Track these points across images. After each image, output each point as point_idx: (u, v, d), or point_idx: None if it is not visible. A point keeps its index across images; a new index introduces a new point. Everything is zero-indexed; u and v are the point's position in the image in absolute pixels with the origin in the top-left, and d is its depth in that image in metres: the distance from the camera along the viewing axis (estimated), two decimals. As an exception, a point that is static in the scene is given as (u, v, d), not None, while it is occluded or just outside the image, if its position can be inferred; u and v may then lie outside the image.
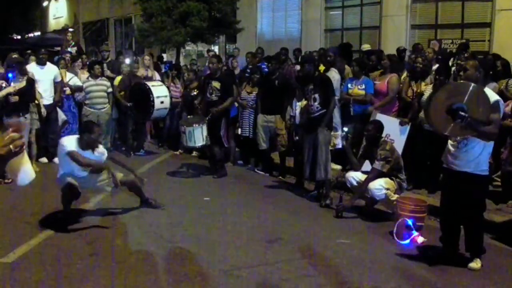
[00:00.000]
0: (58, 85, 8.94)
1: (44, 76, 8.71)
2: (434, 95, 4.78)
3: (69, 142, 5.81)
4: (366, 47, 11.58)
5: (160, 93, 9.14)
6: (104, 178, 6.02)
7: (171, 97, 9.35)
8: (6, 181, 7.26)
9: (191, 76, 10.28)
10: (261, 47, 10.92)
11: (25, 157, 2.34)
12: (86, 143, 5.81)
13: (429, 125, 5.33)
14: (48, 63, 8.95)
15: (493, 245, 5.35)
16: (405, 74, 7.84)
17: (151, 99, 8.95)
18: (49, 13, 32.45)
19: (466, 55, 8.30)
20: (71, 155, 5.68)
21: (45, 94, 8.66)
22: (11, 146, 2.12)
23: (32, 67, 8.74)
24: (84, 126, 6.22)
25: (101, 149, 6.05)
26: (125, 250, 5.04)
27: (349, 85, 7.63)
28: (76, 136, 6.07)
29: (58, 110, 8.98)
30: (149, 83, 9.33)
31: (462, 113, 4.27)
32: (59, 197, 5.82)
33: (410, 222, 5.38)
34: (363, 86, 7.55)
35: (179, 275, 4.49)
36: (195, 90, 9.57)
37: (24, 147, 2.21)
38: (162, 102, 9.11)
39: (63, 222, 5.64)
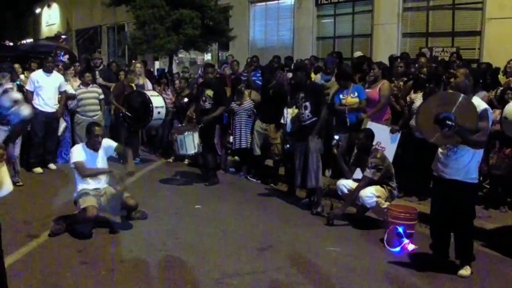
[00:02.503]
0: (63, 96, 8.95)
1: (49, 84, 8.74)
2: (423, 103, 4.87)
3: (76, 150, 5.97)
4: (358, 54, 11.64)
5: (159, 103, 9.23)
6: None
7: (166, 108, 9.41)
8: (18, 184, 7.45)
9: (183, 84, 10.29)
10: (256, 56, 10.93)
11: (3, 169, 2.30)
12: (90, 144, 5.97)
13: (419, 132, 5.40)
14: (54, 71, 8.96)
15: (483, 252, 5.40)
16: (401, 81, 7.86)
17: (151, 109, 9.00)
18: (42, 20, 32.40)
19: (458, 62, 8.38)
20: (75, 165, 5.84)
21: (49, 101, 8.70)
22: None
23: (38, 74, 8.76)
24: (86, 129, 6.26)
25: (106, 143, 6.11)
26: (116, 258, 5.03)
27: (341, 96, 7.55)
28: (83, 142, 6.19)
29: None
30: (148, 93, 9.37)
31: (449, 122, 4.33)
32: (50, 205, 5.81)
33: (400, 229, 5.40)
34: (356, 94, 7.57)
35: (170, 284, 4.49)
36: (186, 98, 9.60)
37: (4, 157, 2.18)
38: (159, 113, 9.21)
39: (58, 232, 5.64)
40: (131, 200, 5.99)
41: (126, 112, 9.35)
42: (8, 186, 2.40)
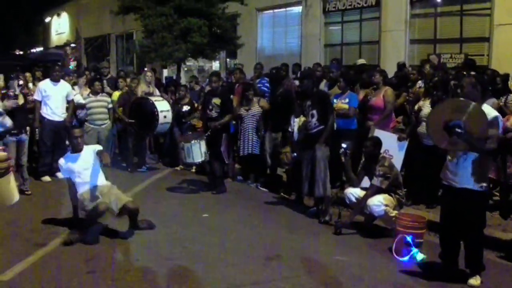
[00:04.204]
0: (71, 105, 9.01)
1: (57, 93, 8.78)
2: (435, 109, 4.86)
3: (62, 160, 6.19)
4: (360, 61, 11.62)
5: (163, 107, 9.22)
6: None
7: (172, 112, 9.40)
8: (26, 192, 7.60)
9: (183, 91, 10.23)
10: (260, 63, 10.92)
11: (11, 178, 2.30)
12: (71, 147, 6.26)
13: (429, 138, 5.39)
14: (61, 80, 9.03)
15: (493, 261, 5.32)
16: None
17: (156, 113, 9.00)
18: (51, 29, 32.68)
19: (464, 72, 8.34)
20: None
21: (57, 110, 8.74)
22: None
23: (45, 84, 8.82)
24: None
25: (94, 147, 6.34)
26: (123, 267, 5.03)
27: (334, 101, 7.63)
28: None
29: None
30: (152, 98, 9.39)
31: (459, 130, 4.32)
32: (58, 214, 5.82)
33: (409, 238, 5.36)
34: (347, 100, 7.57)
35: (177, 293, 4.48)
36: (186, 105, 9.62)
37: (11, 168, 2.19)
38: (165, 117, 9.18)
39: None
40: (132, 204, 5.97)
41: (129, 120, 9.36)
42: (15, 196, 2.41)
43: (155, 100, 9.29)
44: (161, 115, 9.07)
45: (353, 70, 9.63)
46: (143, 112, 9.24)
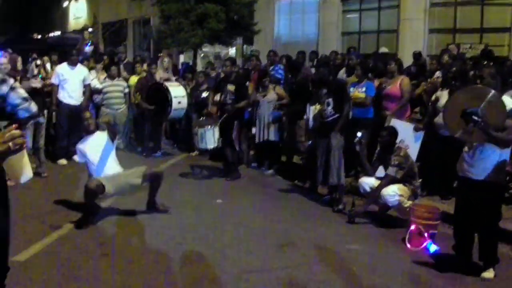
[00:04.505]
0: (88, 89, 9.07)
1: (74, 77, 8.87)
2: (452, 96, 4.78)
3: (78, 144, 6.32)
4: (383, 50, 11.50)
5: (178, 93, 9.19)
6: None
7: (190, 98, 9.40)
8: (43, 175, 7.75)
9: (201, 78, 10.25)
10: (273, 50, 10.84)
11: (25, 156, 2.34)
12: (83, 129, 6.39)
13: (444, 127, 5.30)
14: (78, 64, 9.08)
15: (507, 254, 5.26)
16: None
17: (169, 99, 9.01)
18: (69, 14, 32.79)
19: (485, 62, 8.21)
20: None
21: (74, 94, 8.83)
22: (10, 144, 2.12)
23: (62, 67, 8.89)
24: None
25: (103, 133, 6.34)
26: (136, 251, 5.08)
27: (351, 89, 7.57)
28: None
29: None
30: (167, 83, 9.40)
31: (475, 118, 4.24)
32: (73, 197, 5.89)
33: (423, 229, 5.32)
34: (364, 89, 7.51)
35: (189, 278, 4.51)
36: (205, 92, 9.62)
37: (25, 145, 2.21)
38: (179, 103, 9.15)
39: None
40: (154, 169, 6.19)
41: (147, 106, 9.38)
42: (29, 174, 2.44)
43: (170, 86, 9.27)
44: (175, 101, 9.05)
45: (375, 59, 9.51)
46: (159, 98, 9.25)
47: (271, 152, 8.79)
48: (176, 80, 10.69)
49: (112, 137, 6.31)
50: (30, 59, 8.93)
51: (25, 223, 5.75)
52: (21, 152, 2.23)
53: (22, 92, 3.68)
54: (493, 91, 4.42)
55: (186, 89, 9.62)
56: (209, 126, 7.90)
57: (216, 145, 7.96)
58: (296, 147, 8.44)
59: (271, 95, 8.57)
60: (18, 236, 5.11)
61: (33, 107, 3.66)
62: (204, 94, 9.63)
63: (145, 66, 10.61)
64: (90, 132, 6.27)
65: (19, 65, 9.25)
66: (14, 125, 2.16)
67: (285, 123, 8.58)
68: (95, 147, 6.13)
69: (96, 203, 5.94)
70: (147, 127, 9.87)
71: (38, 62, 8.73)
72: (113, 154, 6.24)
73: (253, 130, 8.86)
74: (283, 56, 10.38)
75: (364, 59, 9.55)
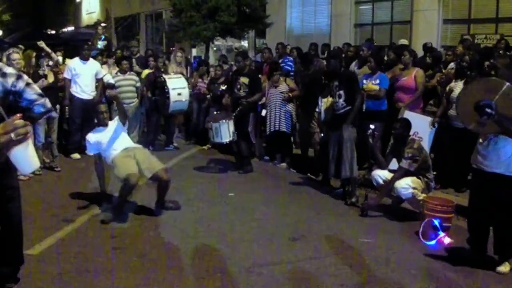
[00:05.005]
0: (100, 83, 9.10)
1: (86, 71, 8.89)
2: (466, 88, 4.70)
3: (89, 135, 6.30)
4: (402, 41, 11.35)
5: (176, 84, 9.07)
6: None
7: (190, 89, 9.31)
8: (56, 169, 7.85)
9: (219, 71, 10.26)
10: (281, 43, 10.74)
11: (30, 146, 2.32)
12: (97, 122, 6.38)
13: (458, 119, 5.23)
14: (91, 58, 9.11)
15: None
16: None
17: (166, 90, 8.94)
18: (82, 8, 32.96)
19: (501, 52, 8.07)
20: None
21: (86, 89, 8.86)
22: (12, 134, 2.11)
23: (74, 62, 8.92)
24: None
25: (114, 121, 6.34)
26: (148, 245, 5.08)
27: (364, 81, 7.51)
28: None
29: None
30: (166, 76, 9.31)
31: (489, 110, 4.16)
32: (86, 190, 5.93)
33: (436, 222, 5.27)
34: (378, 81, 7.43)
35: (201, 271, 4.51)
36: (223, 85, 9.58)
37: (29, 135, 2.20)
38: (179, 94, 9.03)
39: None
40: (164, 174, 5.96)
41: (154, 97, 9.35)
42: (35, 164, 2.43)
43: (168, 78, 9.18)
44: (173, 93, 8.95)
45: (393, 50, 9.36)
46: (160, 91, 9.20)
47: (283, 145, 8.75)
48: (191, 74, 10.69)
49: (123, 119, 6.27)
50: (42, 54, 8.94)
51: (38, 216, 5.80)
52: (25, 142, 2.21)
53: (37, 88, 3.72)
54: (507, 83, 4.32)
55: (188, 81, 9.52)
56: (224, 120, 7.87)
57: (231, 138, 7.93)
58: (310, 140, 8.36)
59: (283, 86, 8.54)
60: (31, 230, 5.17)
61: (48, 103, 3.69)
62: (222, 87, 9.60)
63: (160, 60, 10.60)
64: (105, 125, 6.25)
65: (34, 61, 9.30)
66: (17, 115, 2.15)
67: (300, 115, 8.53)
68: (111, 134, 6.11)
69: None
70: (157, 120, 9.87)
71: (50, 63, 8.70)
72: (125, 136, 6.26)
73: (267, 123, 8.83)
74: (293, 48, 10.31)
75: (378, 50, 9.43)
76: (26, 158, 2.32)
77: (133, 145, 6.24)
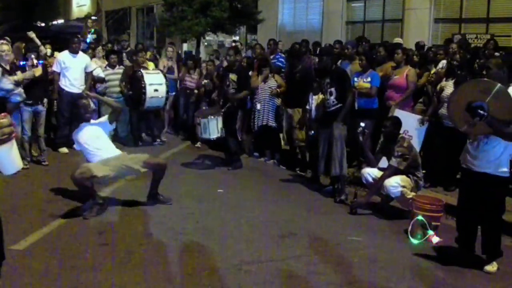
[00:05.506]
0: (89, 76, 9.00)
1: (76, 65, 8.79)
2: (457, 89, 4.70)
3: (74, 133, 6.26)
4: (397, 40, 11.36)
5: (154, 80, 8.95)
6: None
7: (168, 86, 9.14)
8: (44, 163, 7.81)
9: (210, 66, 10.20)
10: (273, 39, 10.71)
11: (14, 146, 2.26)
12: (79, 117, 6.30)
13: (449, 120, 5.23)
14: (80, 52, 9.00)
15: (510, 247, 5.21)
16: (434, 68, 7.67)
17: (143, 85, 8.80)
18: (72, 1, 32.69)
19: (490, 51, 8.10)
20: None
21: (76, 82, 8.76)
22: None
23: (64, 55, 8.81)
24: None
25: (103, 118, 6.39)
26: (135, 241, 5.04)
27: (355, 79, 7.50)
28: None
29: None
30: (144, 71, 9.14)
31: (481, 112, 4.15)
32: (74, 186, 5.84)
33: (425, 221, 5.27)
34: (369, 79, 7.42)
35: (189, 268, 4.47)
36: (207, 80, 9.55)
37: (14, 135, 2.15)
38: (156, 90, 8.91)
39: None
40: (156, 159, 6.13)
41: (129, 92, 9.22)
42: (18, 165, 2.37)
43: (146, 73, 9.03)
44: (149, 88, 8.82)
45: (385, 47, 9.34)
46: (137, 86, 9.02)
47: (271, 140, 8.72)
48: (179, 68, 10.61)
49: (113, 117, 6.24)
50: (29, 48, 8.78)
51: (24, 211, 5.74)
52: (9, 142, 2.16)
53: (12, 78, 3.67)
54: (498, 85, 4.32)
55: (165, 76, 9.34)
56: (212, 116, 7.82)
57: (219, 135, 7.88)
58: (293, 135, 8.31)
59: (272, 81, 8.51)
60: (17, 225, 5.13)
61: (23, 92, 3.66)
62: (205, 82, 9.54)
63: (148, 54, 10.50)
64: (86, 120, 6.19)
65: (22, 53, 9.18)
66: (1, 114, 2.09)
67: (284, 111, 8.49)
68: (91, 134, 6.05)
69: (96, 191, 5.86)
70: (134, 116, 9.66)
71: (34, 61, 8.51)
72: (108, 138, 6.20)
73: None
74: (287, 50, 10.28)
75: (370, 48, 9.42)
76: (9, 158, 2.25)
77: (114, 154, 6.05)
